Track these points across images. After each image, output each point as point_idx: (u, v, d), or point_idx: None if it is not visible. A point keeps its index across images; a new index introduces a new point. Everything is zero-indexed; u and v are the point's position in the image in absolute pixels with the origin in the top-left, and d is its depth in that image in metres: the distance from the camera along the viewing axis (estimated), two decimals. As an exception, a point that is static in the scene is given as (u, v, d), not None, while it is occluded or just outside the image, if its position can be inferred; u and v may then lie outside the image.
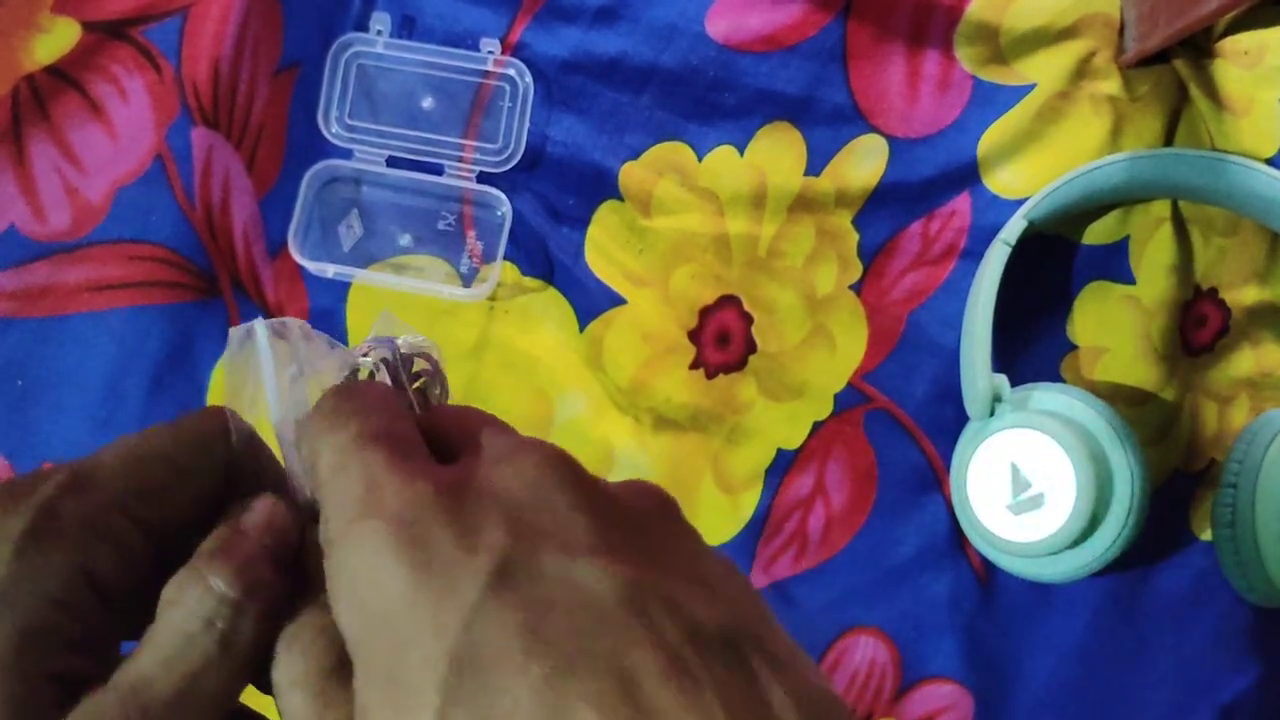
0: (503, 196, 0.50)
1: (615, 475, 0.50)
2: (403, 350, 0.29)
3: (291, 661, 0.22)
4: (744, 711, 0.17)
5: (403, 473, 0.21)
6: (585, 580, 0.19)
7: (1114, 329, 0.51)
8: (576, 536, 0.20)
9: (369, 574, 0.19)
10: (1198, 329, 0.52)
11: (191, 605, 0.22)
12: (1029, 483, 0.44)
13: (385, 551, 0.19)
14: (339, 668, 0.21)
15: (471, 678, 0.18)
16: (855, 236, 0.51)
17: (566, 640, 0.18)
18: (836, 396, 0.51)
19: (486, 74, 0.50)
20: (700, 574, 0.21)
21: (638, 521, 0.22)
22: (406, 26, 0.51)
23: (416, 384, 0.29)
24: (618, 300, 0.51)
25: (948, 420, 0.51)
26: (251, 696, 0.23)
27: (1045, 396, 0.47)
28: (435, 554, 0.19)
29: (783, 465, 0.51)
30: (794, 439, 0.51)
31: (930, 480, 0.51)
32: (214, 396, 0.50)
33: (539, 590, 0.19)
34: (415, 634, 0.18)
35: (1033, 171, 0.50)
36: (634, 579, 0.19)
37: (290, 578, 0.23)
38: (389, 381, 0.28)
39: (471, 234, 0.51)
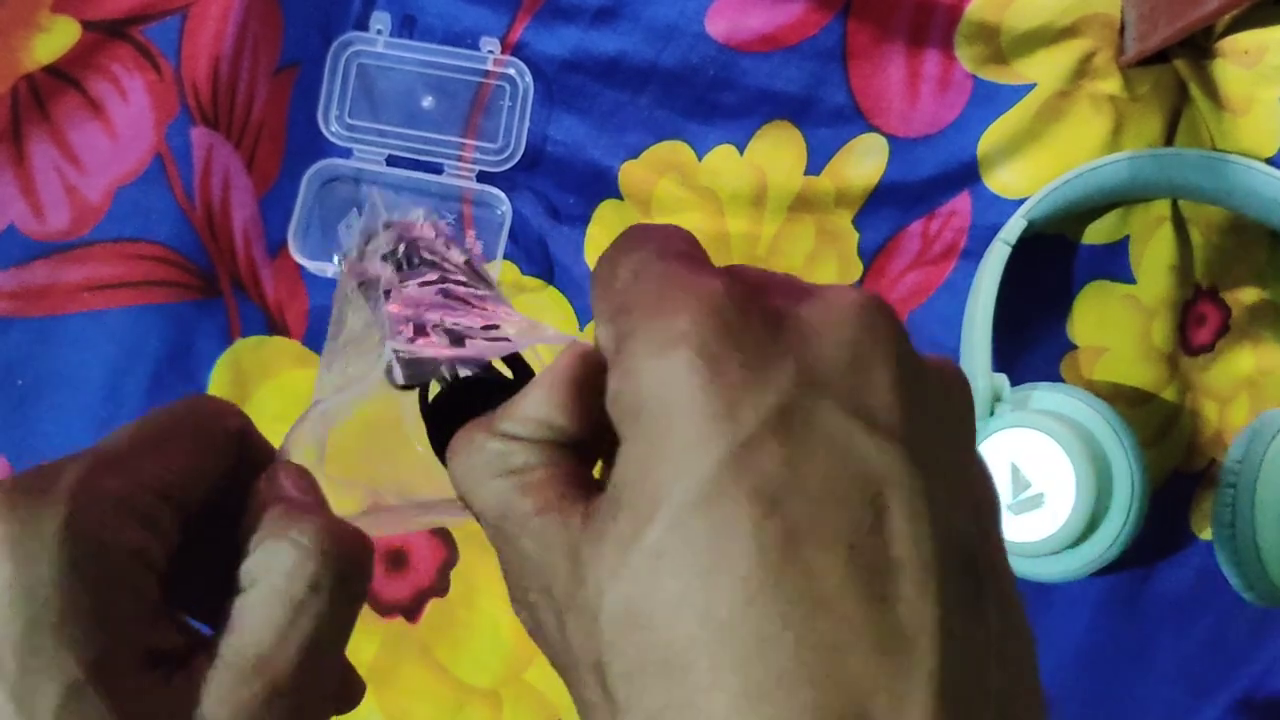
0: (502, 196, 0.50)
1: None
2: (426, 223, 0.29)
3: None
4: (956, 661, 0.17)
5: (711, 278, 0.19)
6: (863, 453, 0.18)
7: (1114, 329, 0.51)
8: (874, 407, 0.18)
9: (660, 370, 0.18)
10: (1198, 328, 0.52)
11: (289, 568, 0.22)
12: (1029, 483, 0.44)
13: (681, 351, 0.18)
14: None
15: (708, 512, 0.17)
16: (855, 236, 0.51)
17: (812, 509, 0.17)
18: (836, 396, 0.51)
19: (486, 73, 0.50)
20: (968, 478, 0.20)
21: (936, 407, 0.20)
22: (406, 26, 0.51)
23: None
24: (618, 300, 0.51)
25: (948, 420, 0.51)
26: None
27: (1045, 396, 0.47)
28: (729, 366, 0.18)
29: (783, 465, 0.51)
30: (794, 439, 0.51)
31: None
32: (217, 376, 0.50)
33: (810, 446, 0.18)
34: (682, 443, 0.18)
35: (1033, 171, 0.50)
36: (908, 469, 0.18)
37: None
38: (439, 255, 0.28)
39: (471, 233, 0.51)
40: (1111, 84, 0.49)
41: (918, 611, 0.17)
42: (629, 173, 0.51)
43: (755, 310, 0.19)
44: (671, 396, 0.18)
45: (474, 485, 0.21)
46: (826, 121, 0.50)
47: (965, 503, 0.19)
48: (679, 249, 0.21)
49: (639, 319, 0.19)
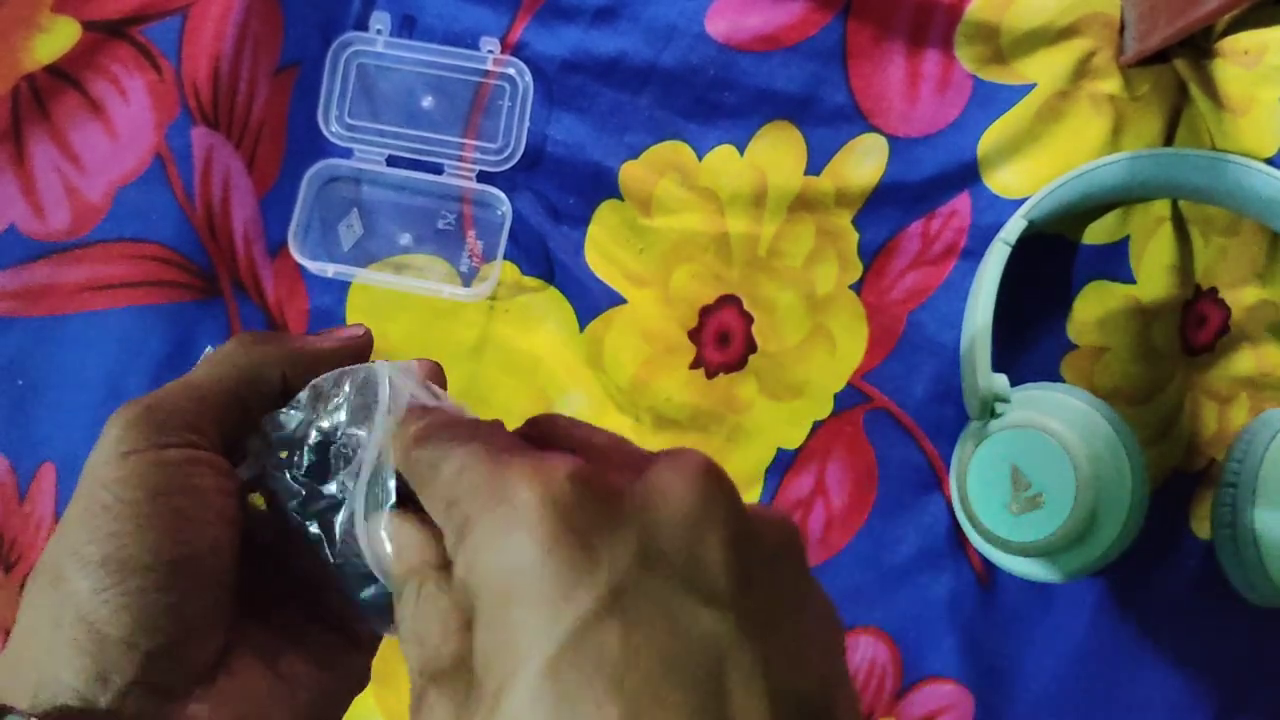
0: (502, 196, 0.50)
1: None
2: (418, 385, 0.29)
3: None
4: None
5: (549, 462, 0.20)
6: (699, 626, 0.18)
7: (1114, 329, 0.51)
8: (708, 579, 0.19)
9: (500, 557, 0.19)
10: (1198, 328, 0.52)
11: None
12: (1029, 483, 0.44)
13: (518, 536, 0.19)
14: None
15: (557, 687, 0.17)
16: (855, 236, 0.51)
17: (652, 686, 0.17)
18: (836, 396, 0.51)
19: (486, 73, 0.50)
20: (803, 630, 0.20)
21: (770, 567, 0.20)
22: (406, 26, 0.51)
23: None
24: (618, 300, 0.51)
25: (948, 420, 0.51)
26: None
27: (1045, 396, 0.47)
28: (565, 549, 0.19)
29: (783, 465, 0.51)
30: (794, 439, 0.51)
31: (930, 480, 0.51)
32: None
33: (648, 622, 0.18)
34: (525, 626, 0.18)
35: (1033, 171, 0.50)
36: (742, 639, 0.18)
37: None
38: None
39: (471, 233, 0.51)
40: (1111, 84, 0.49)
41: None
42: (629, 173, 0.51)
43: (591, 491, 0.19)
44: (512, 581, 0.18)
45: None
46: (826, 121, 0.50)
47: (808, 655, 0.19)
48: (507, 441, 0.22)
49: (476, 508, 0.20)
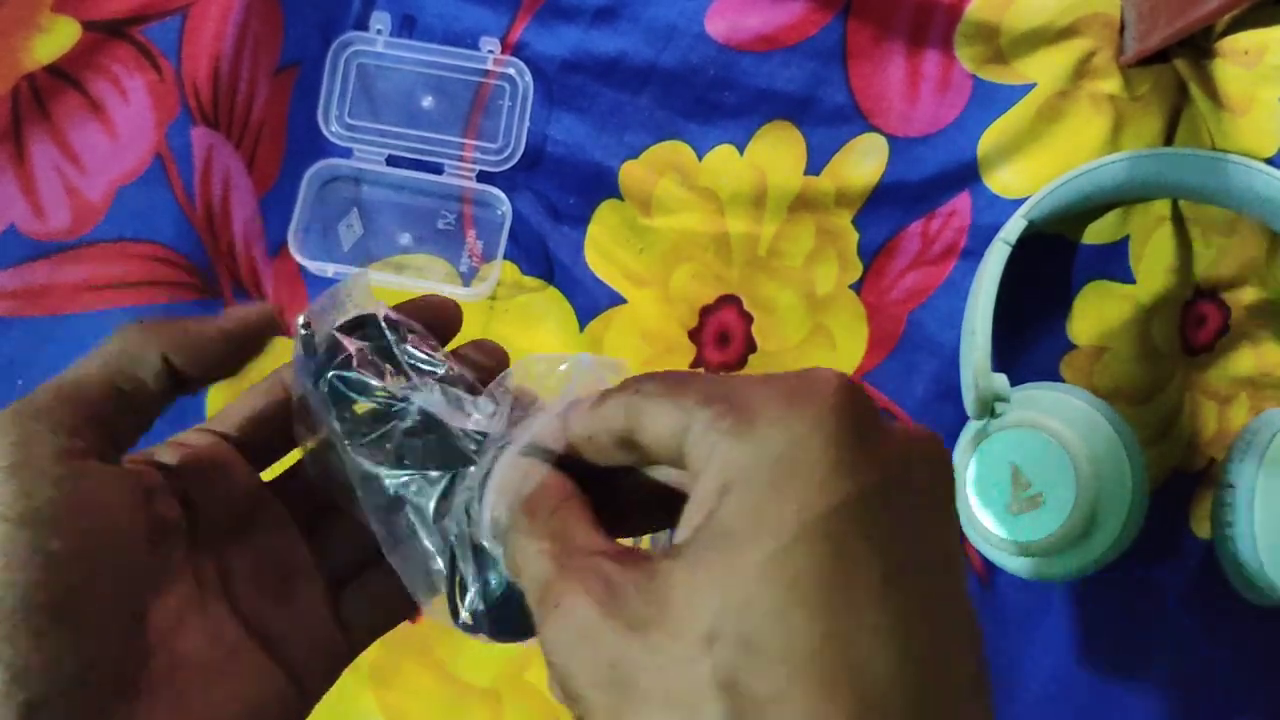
0: (502, 195, 0.50)
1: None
2: (390, 317, 0.29)
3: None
4: None
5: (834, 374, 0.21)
6: (944, 536, 0.21)
7: (1114, 329, 0.51)
8: (948, 512, 0.21)
9: (790, 422, 0.20)
10: (1198, 329, 0.52)
11: None
12: (1029, 483, 0.44)
13: (813, 409, 0.20)
14: None
15: (830, 538, 0.18)
16: (855, 236, 0.51)
17: (907, 559, 0.19)
18: (836, 396, 0.51)
19: (486, 73, 0.50)
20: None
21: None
22: (406, 26, 0.51)
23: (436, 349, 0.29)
24: (618, 299, 0.51)
25: (948, 420, 0.50)
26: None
27: (1045, 396, 0.47)
28: (853, 434, 0.20)
29: (783, 465, 0.51)
30: (794, 438, 0.51)
31: (930, 480, 0.51)
32: (214, 397, 0.49)
33: (907, 518, 0.20)
34: (806, 484, 0.19)
35: (1033, 171, 0.50)
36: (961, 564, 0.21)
37: None
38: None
39: (471, 233, 0.51)
40: (1111, 84, 0.49)
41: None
42: (629, 173, 0.51)
43: (872, 406, 0.21)
44: (798, 446, 0.19)
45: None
46: (826, 121, 0.50)
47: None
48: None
49: (761, 390, 0.20)
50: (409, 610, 0.32)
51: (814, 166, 0.51)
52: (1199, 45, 0.50)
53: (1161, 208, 0.51)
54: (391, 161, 0.51)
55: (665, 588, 0.19)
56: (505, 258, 0.51)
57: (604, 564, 0.20)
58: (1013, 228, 0.48)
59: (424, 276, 0.51)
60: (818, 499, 0.18)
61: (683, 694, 0.17)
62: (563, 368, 0.26)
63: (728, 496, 0.19)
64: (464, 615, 0.25)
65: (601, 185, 0.51)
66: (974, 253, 0.50)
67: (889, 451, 0.20)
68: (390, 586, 0.28)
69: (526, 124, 0.50)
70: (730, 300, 0.51)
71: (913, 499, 0.20)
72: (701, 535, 0.19)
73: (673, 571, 0.19)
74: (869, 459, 0.19)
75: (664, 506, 0.23)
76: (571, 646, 0.19)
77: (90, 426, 0.25)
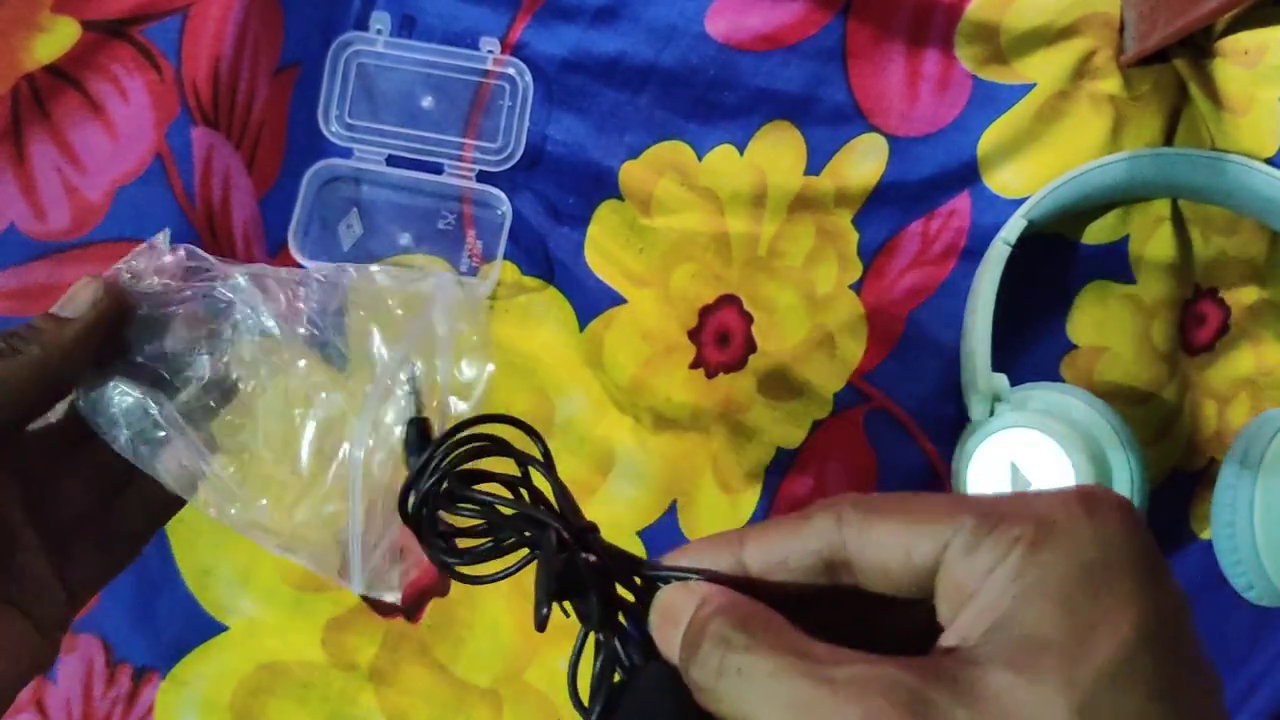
0: (502, 196, 0.50)
1: (616, 474, 0.50)
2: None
3: None
4: None
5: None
6: (1198, 684, 0.20)
7: (1114, 328, 0.51)
8: (1198, 659, 0.20)
9: (1091, 544, 0.20)
10: (1198, 328, 0.52)
11: None
12: (1029, 483, 0.44)
13: (1122, 524, 0.20)
14: None
15: (1148, 655, 0.19)
16: (855, 236, 0.51)
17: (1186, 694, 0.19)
18: (836, 396, 0.51)
19: (486, 73, 0.50)
20: None
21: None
22: (406, 25, 0.51)
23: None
24: (618, 299, 0.51)
25: (948, 420, 0.51)
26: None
27: (1045, 396, 0.47)
28: (1149, 555, 0.20)
29: (783, 465, 0.51)
30: (794, 438, 0.51)
31: (930, 480, 0.51)
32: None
33: (1185, 653, 0.20)
34: (1119, 599, 0.19)
35: (1033, 171, 0.50)
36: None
37: None
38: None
39: (471, 233, 0.51)
40: (1111, 84, 0.49)
41: None
42: (629, 173, 0.51)
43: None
44: (1113, 555, 0.20)
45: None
46: (826, 121, 0.50)
47: None
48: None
49: (1043, 503, 0.21)
50: (127, 561, 0.34)
51: (814, 166, 0.51)
52: (1199, 45, 0.50)
53: (1161, 208, 0.51)
54: (391, 161, 0.51)
55: (992, 695, 0.19)
56: (505, 258, 0.51)
57: (899, 675, 0.19)
58: (1013, 228, 0.48)
59: (424, 276, 0.51)
60: (1148, 607, 0.19)
61: None
62: (422, 287, 0.27)
63: (1029, 605, 0.19)
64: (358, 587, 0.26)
65: (601, 185, 0.51)
66: (974, 253, 0.50)
67: (1165, 579, 0.21)
68: (107, 543, 0.32)
69: (526, 124, 0.50)
70: (730, 300, 0.51)
71: (1175, 645, 0.20)
72: (1002, 644, 0.19)
73: (993, 678, 0.19)
74: (1169, 570, 0.20)
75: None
76: None
77: None
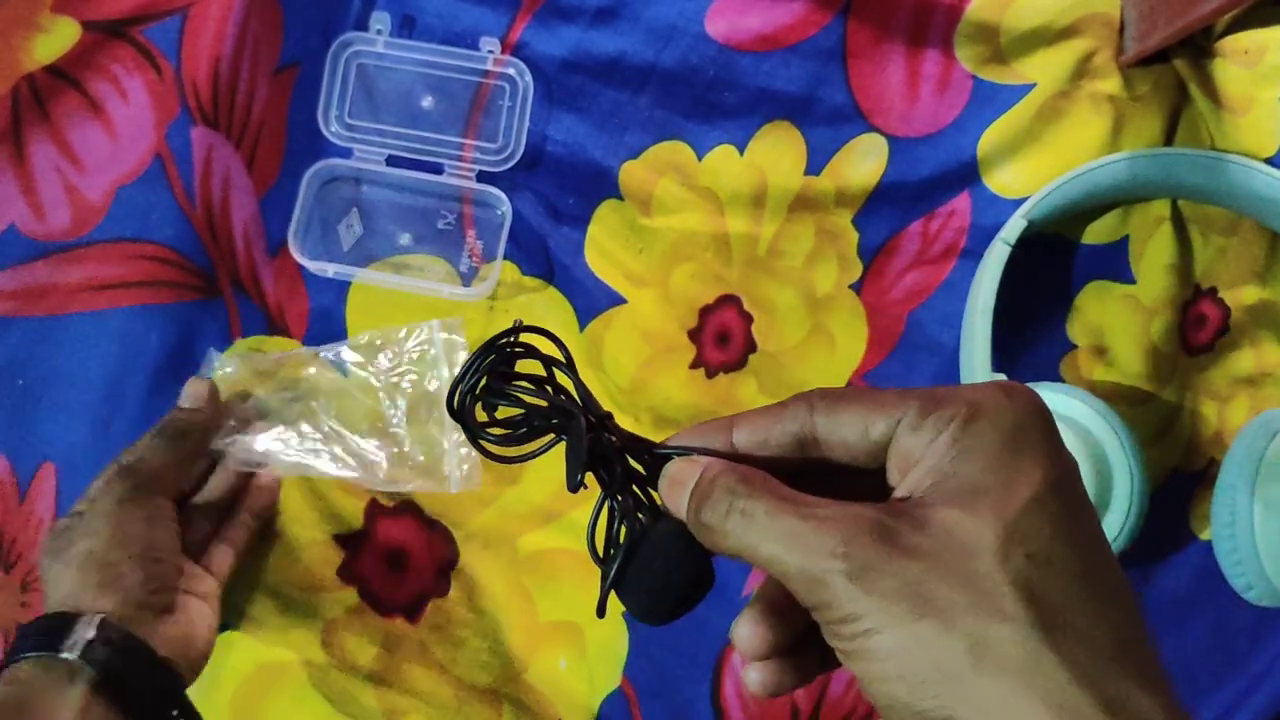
0: (502, 196, 0.50)
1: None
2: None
3: None
4: None
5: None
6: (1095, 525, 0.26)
7: (1114, 329, 0.51)
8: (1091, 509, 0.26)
9: (1008, 414, 0.25)
10: (1197, 328, 0.52)
11: None
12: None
13: (1031, 403, 0.26)
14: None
15: (1057, 494, 0.25)
16: (855, 236, 0.51)
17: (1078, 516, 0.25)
18: (836, 396, 0.51)
19: (486, 73, 0.50)
20: None
21: None
22: (406, 26, 0.51)
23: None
24: (618, 300, 0.51)
25: (948, 420, 0.50)
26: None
27: (1045, 396, 0.47)
28: (1050, 425, 0.26)
29: (783, 465, 0.51)
30: (794, 438, 0.51)
31: (930, 480, 0.51)
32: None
33: (1083, 498, 0.26)
34: (1034, 456, 0.25)
35: (1033, 171, 0.50)
36: None
37: None
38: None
39: (471, 233, 0.51)
40: (1111, 84, 0.49)
41: None
42: (629, 173, 0.51)
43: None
44: (1025, 428, 0.25)
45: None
46: (826, 121, 0.50)
47: None
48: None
49: (969, 392, 0.26)
50: (246, 549, 0.48)
51: (814, 166, 0.51)
52: (1199, 45, 0.50)
53: (1161, 208, 0.51)
54: (391, 161, 0.51)
55: (939, 526, 0.24)
56: (505, 258, 0.51)
57: (865, 512, 0.24)
58: (1013, 228, 0.48)
59: (424, 277, 0.51)
60: (1052, 464, 0.25)
61: (989, 599, 0.23)
62: (426, 347, 0.39)
63: (965, 463, 0.25)
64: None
65: (601, 185, 0.51)
66: (974, 253, 0.50)
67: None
68: (230, 541, 0.48)
69: (526, 124, 0.50)
70: (730, 300, 0.51)
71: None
72: (944, 491, 0.25)
73: (940, 514, 0.24)
74: (1064, 443, 0.26)
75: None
76: (863, 575, 0.24)
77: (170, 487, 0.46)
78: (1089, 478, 0.44)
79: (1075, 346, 0.51)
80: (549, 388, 0.30)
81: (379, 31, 0.50)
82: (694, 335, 0.51)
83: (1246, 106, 0.50)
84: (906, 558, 0.24)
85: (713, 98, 0.50)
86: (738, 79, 0.50)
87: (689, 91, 0.50)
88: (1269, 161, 0.49)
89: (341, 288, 0.51)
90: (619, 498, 0.28)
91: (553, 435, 0.29)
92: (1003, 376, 0.47)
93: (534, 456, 0.29)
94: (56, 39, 0.48)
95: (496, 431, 0.29)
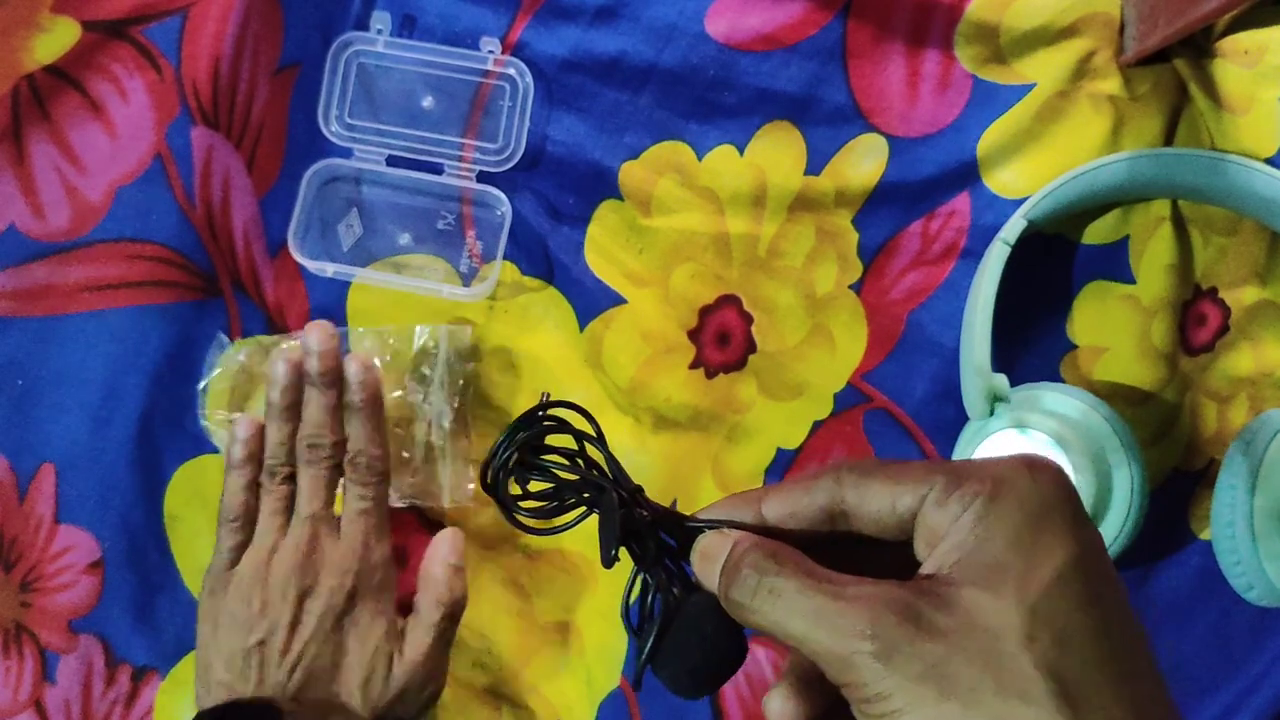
0: (502, 196, 0.50)
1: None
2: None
3: None
4: None
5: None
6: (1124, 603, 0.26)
7: (1114, 329, 0.51)
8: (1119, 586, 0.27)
9: (1032, 493, 0.26)
10: (1197, 328, 0.52)
11: None
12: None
13: (1055, 482, 0.26)
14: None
15: (1083, 572, 0.25)
16: (855, 236, 0.51)
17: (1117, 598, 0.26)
18: (836, 396, 0.51)
19: (486, 73, 0.50)
20: None
21: None
22: (407, 26, 0.51)
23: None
24: (618, 300, 0.51)
25: (948, 420, 0.50)
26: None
27: (1045, 396, 0.47)
28: (1075, 503, 0.26)
29: (783, 465, 0.51)
30: (794, 439, 0.51)
31: (930, 480, 0.51)
32: (213, 397, 0.49)
33: (1112, 576, 0.26)
34: (1055, 534, 0.25)
35: (1033, 171, 0.50)
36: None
37: None
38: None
39: (471, 233, 0.51)
40: (1111, 84, 0.49)
41: None
42: (629, 173, 0.51)
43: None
44: (1050, 506, 0.26)
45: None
46: (826, 121, 0.50)
47: None
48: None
49: (994, 468, 0.26)
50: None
51: (814, 166, 0.51)
52: (1199, 45, 0.50)
53: (1161, 208, 0.51)
54: (391, 161, 0.51)
55: (964, 606, 0.24)
56: (505, 258, 0.51)
57: (892, 592, 0.25)
58: (1013, 228, 0.48)
59: (424, 277, 0.51)
60: (1075, 541, 0.25)
61: (1012, 681, 0.23)
62: (427, 342, 0.46)
63: (989, 541, 0.25)
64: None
65: (601, 185, 0.51)
66: (974, 253, 0.50)
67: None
68: None
69: (526, 124, 0.50)
70: (730, 300, 0.51)
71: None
72: (969, 569, 0.25)
73: (964, 594, 0.25)
74: (1089, 518, 0.26)
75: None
76: (890, 656, 0.24)
77: None
78: (1089, 478, 0.44)
79: (1075, 346, 0.51)
80: (580, 460, 0.30)
81: (379, 31, 0.50)
82: (694, 335, 0.51)
83: (1247, 106, 0.50)
84: (932, 639, 0.24)
85: (713, 98, 0.50)
86: (738, 79, 0.50)
87: (689, 91, 0.50)
88: (1269, 161, 0.49)
89: (341, 288, 0.51)
90: (652, 571, 0.29)
91: (583, 509, 0.30)
92: (1003, 377, 0.47)
93: (567, 529, 0.30)
94: (56, 39, 0.48)
95: (530, 505, 0.30)
